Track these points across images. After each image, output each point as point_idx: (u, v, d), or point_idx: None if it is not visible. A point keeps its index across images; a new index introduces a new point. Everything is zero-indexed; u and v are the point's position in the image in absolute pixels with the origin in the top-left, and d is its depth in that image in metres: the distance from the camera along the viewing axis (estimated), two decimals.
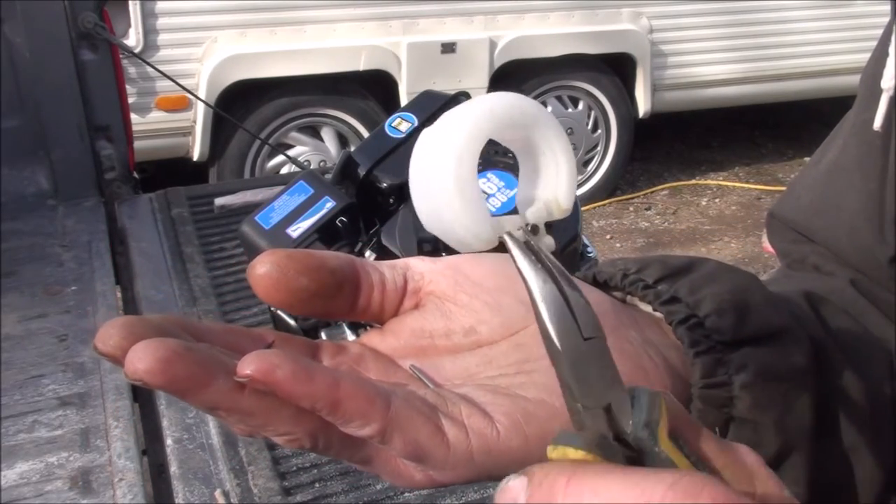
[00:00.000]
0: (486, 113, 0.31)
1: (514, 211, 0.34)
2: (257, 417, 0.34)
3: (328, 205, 1.03)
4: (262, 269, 0.37)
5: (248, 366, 0.32)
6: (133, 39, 3.64)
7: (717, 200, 4.99)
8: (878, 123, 0.49)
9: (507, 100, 0.31)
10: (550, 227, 0.33)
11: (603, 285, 0.45)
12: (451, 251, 0.38)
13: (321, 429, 0.35)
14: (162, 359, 0.32)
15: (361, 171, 1.04)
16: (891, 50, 0.47)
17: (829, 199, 0.56)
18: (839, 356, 0.44)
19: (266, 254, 0.38)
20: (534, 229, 0.33)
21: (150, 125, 3.77)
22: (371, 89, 4.18)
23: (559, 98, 4.59)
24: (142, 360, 0.32)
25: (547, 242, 0.33)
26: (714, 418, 0.40)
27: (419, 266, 0.41)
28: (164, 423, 1.25)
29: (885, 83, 0.48)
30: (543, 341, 0.29)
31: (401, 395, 0.35)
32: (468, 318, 0.40)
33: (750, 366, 0.40)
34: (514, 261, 0.30)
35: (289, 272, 0.37)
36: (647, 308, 0.43)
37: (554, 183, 0.33)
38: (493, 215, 0.33)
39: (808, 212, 0.58)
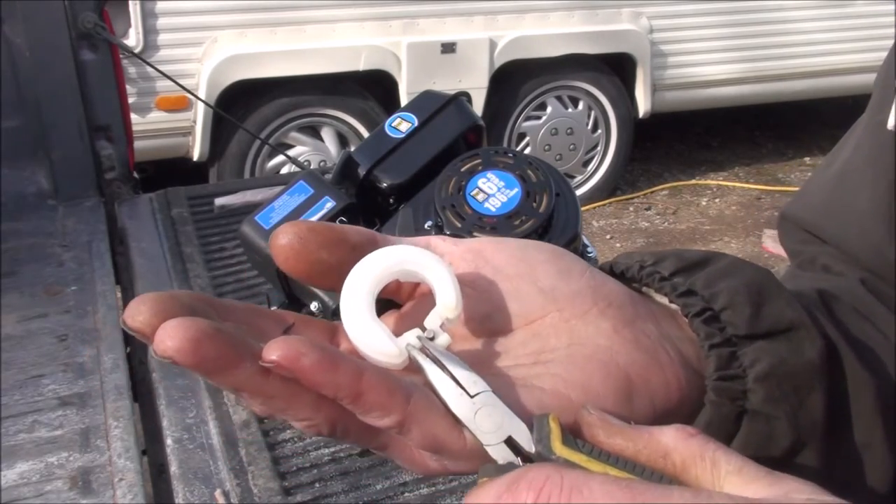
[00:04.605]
0: (371, 264, 0.39)
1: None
2: (279, 401, 0.34)
3: (328, 205, 1.03)
4: (285, 240, 0.38)
5: (273, 352, 0.32)
6: (133, 39, 3.64)
7: (717, 200, 4.99)
8: (891, 123, 0.49)
9: (382, 253, 0.39)
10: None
11: (620, 276, 0.45)
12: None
13: (340, 416, 0.35)
14: (192, 338, 0.32)
15: (361, 171, 1.03)
16: None
17: (840, 199, 0.57)
18: (851, 353, 0.44)
19: (289, 224, 0.39)
20: (430, 333, 0.39)
21: (150, 125, 3.77)
22: (371, 89, 4.18)
23: (559, 98, 4.59)
24: (172, 338, 0.32)
25: (442, 340, 0.38)
26: (728, 410, 0.40)
27: (440, 246, 0.41)
28: (164, 423, 1.25)
29: None
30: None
31: (421, 388, 0.36)
32: (485, 305, 0.40)
33: (764, 359, 0.40)
34: (416, 362, 0.37)
35: (310, 244, 0.38)
36: (663, 300, 0.44)
37: (439, 294, 0.39)
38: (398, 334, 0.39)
39: (819, 212, 0.59)
